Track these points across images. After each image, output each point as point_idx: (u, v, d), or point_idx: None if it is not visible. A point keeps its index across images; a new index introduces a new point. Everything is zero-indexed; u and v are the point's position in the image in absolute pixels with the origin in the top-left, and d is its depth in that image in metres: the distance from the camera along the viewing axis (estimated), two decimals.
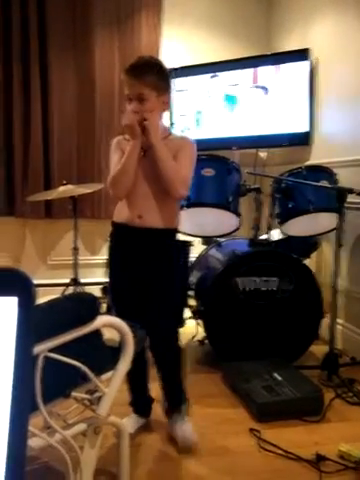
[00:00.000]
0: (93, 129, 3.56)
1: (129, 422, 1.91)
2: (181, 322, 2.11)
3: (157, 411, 1.99)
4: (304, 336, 2.61)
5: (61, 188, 3.03)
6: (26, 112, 3.44)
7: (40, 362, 1.11)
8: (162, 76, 1.78)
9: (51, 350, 1.14)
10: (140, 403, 2.00)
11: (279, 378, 2.23)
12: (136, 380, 1.95)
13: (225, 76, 3.50)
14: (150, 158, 1.76)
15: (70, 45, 3.51)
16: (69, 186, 3.04)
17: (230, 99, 3.51)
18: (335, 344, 2.46)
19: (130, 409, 1.98)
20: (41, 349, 1.12)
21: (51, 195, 3.08)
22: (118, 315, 1.76)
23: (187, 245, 1.98)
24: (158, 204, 1.79)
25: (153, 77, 1.73)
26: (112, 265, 1.90)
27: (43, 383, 1.10)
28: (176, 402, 1.94)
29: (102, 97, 3.56)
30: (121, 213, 1.84)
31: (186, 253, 1.96)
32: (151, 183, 1.78)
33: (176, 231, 1.89)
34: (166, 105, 1.83)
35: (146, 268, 1.82)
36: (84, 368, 1.20)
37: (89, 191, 3.05)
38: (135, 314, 1.76)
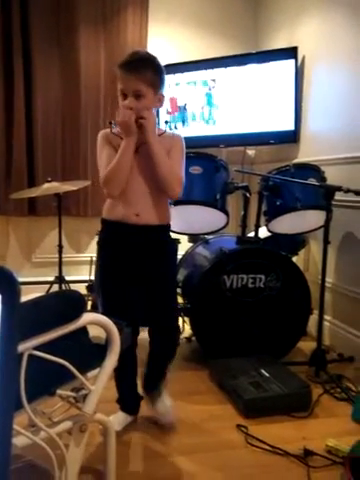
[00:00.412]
0: (78, 126, 3.53)
1: (116, 420, 1.90)
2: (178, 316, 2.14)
3: (144, 408, 1.98)
4: (292, 333, 2.62)
5: (45, 185, 2.99)
6: (9, 109, 3.39)
7: (25, 360, 1.09)
8: (159, 72, 1.75)
9: (36, 348, 1.12)
10: (128, 400, 1.98)
11: (266, 374, 2.23)
12: (124, 377, 1.94)
13: (211, 74, 3.50)
14: (143, 154, 1.74)
15: (54, 42, 3.47)
16: (54, 183, 3.00)
17: (216, 97, 3.51)
18: (323, 340, 2.48)
19: (117, 406, 1.96)
20: (26, 347, 1.10)
21: (35, 192, 3.04)
22: (107, 312, 1.75)
23: (176, 242, 1.99)
24: (154, 201, 1.79)
25: (150, 73, 1.71)
26: (104, 262, 1.87)
27: (28, 381, 1.08)
28: (158, 383, 1.96)
29: (87, 94, 3.52)
30: (114, 210, 1.80)
31: (175, 250, 1.97)
32: (146, 180, 1.77)
33: (169, 227, 1.90)
34: (161, 102, 1.81)
35: (143, 264, 1.81)
36: (69, 366, 1.18)
37: (74, 188, 3.02)
38: (126, 310, 1.77)
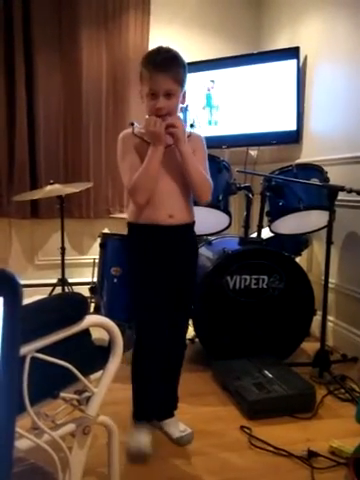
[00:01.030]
0: (80, 127, 3.53)
1: (143, 438, 1.78)
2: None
3: None
4: (295, 333, 2.62)
5: (48, 187, 3.00)
6: (11, 110, 3.39)
7: (27, 363, 1.08)
8: (185, 68, 1.70)
9: (39, 350, 1.12)
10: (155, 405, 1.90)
11: (270, 375, 2.23)
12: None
13: (213, 74, 3.50)
14: (169, 154, 1.71)
15: (56, 43, 3.47)
16: (56, 185, 3.01)
17: (217, 98, 3.51)
18: (326, 341, 2.47)
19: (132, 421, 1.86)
20: (29, 350, 1.10)
21: (38, 195, 3.05)
22: (147, 320, 1.77)
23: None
24: (184, 199, 1.78)
25: (181, 70, 1.66)
26: (141, 268, 1.78)
27: (31, 383, 1.08)
28: (173, 406, 1.94)
29: (89, 96, 3.53)
30: (145, 213, 1.73)
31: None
32: (174, 179, 1.74)
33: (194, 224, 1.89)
34: (184, 99, 1.75)
35: (180, 264, 1.81)
36: (72, 368, 1.18)
37: (77, 190, 3.02)
38: (164, 314, 1.77)
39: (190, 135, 1.79)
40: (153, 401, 1.87)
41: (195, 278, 1.92)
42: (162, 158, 1.68)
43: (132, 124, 1.76)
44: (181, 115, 1.75)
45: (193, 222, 1.84)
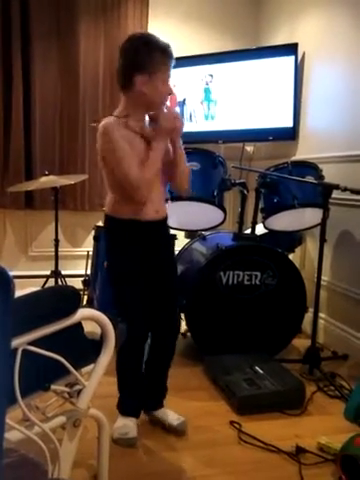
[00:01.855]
0: (76, 119, 3.52)
1: (130, 423, 1.84)
2: None
3: None
4: (287, 330, 2.63)
5: (43, 178, 2.98)
6: (7, 101, 3.37)
7: (19, 355, 1.09)
8: None
9: (31, 343, 1.12)
10: (138, 400, 1.92)
11: (260, 371, 2.24)
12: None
13: (211, 69, 3.49)
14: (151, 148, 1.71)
15: (54, 34, 3.44)
16: (51, 177, 2.99)
17: (214, 92, 3.50)
18: (317, 338, 2.49)
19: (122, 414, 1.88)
20: (20, 342, 1.10)
21: (32, 186, 3.04)
22: (132, 316, 1.77)
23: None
24: (163, 194, 1.82)
25: None
26: (123, 262, 1.77)
27: (22, 376, 1.08)
28: (163, 395, 1.96)
29: (86, 86, 3.51)
30: (132, 208, 1.71)
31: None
32: (157, 175, 1.73)
33: None
34: None
35: (163, 256, 1.84)
36: (64, 361, 1.18)
37: (71, 182, 3.01)
38: (144, 312, 1.79)
39: None
40: (138, 396, 1.89)
41: (176, 266, 1.97)
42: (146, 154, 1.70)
43: (96, 122, 1.76)
44: (178, 109, 1.77)
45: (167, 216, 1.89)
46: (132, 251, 1.76)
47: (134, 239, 1.76)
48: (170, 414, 1.92)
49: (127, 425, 1.82)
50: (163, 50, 1.66)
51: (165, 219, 1.84)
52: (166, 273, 1.86)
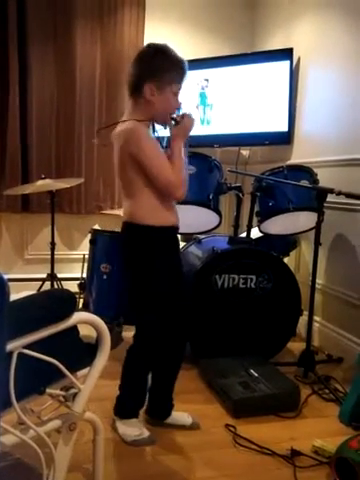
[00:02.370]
0: (73, 122, 3.52)
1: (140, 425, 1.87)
2: None
3: None
4: (281, 333, 2.64)
5: (39, 182, 2.99)
6: (3, 104, 3.37)
7: (14, 359, 1.09)
8: None
9: (26, 346, 1.13)
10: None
11: (255, 374, 2.25)
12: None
13: (206, 73, 3.50)
14: None
15: (50, 38, 3.45)
16: (47, 180, 3.00)
17: (210, 97, 3.51)
18: (312, 341, 2.50)
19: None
20: (16, 345, 1.10)
21: (29, 189, 3.04)
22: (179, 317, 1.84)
23: None
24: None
25: None
26: (171, 271, 1.81)
27: (17, 379, 1.08)
28: (172, 405, 1.97)
29: (83, 91, 3.52)
30: (164, 215, 1.75)
31: None
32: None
33: None
34: None
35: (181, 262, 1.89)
36: (59, 365, 1.19)
37: (68, 186, 3.01)
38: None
39: None
40: (142, 398, 1.91)
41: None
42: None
43: (98, 137, 1.81)
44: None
45: None
46: (174, 258, 1.83)
47: (174, 246, 1.83)
48: (178, 415, 1.96)
49: (136, 426, 1.85)
50: (178, 63, 1.71)
51: None
52: (182, 277, 1.90)
